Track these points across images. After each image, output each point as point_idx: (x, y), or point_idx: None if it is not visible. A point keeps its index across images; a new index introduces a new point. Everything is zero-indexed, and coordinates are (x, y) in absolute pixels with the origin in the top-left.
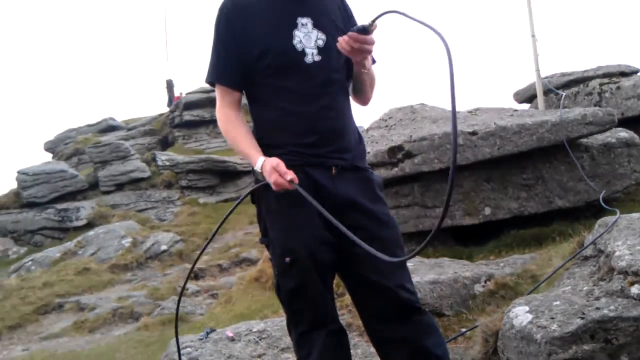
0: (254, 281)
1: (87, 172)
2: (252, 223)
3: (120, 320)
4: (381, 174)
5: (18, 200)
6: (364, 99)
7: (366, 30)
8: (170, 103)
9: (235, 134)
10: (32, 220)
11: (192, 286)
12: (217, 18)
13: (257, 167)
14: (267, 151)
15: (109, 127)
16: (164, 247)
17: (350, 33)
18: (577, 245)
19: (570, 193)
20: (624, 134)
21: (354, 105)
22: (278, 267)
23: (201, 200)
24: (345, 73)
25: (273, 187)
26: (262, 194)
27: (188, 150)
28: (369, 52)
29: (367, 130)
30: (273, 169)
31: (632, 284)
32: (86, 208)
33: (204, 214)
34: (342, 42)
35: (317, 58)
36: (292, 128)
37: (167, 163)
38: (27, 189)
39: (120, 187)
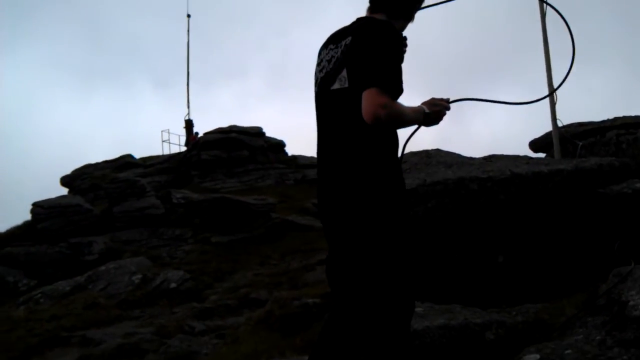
0: (262, 322)
1: (102, 208)
2: (263, 264)
3: (125, 357)
4: None
5: (31, 233)
6: None
7: None
8: (187, 142)
9: (404, 108)
10: (45, 253)
11: (198, 325)
12: (396, 37)
13: (425, 109)
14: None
15: (126, 164)
16: (173, 285)
17: None
18: (590, 295)
19: (585, 242)
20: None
21: None
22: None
23: (213, 240)
24: None
25: (440, 113)
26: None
27: (203, 189)
28: None
29: None
30: (433, 99)
31: None
32: (99, 243)
33: (215, 252)
34: None
35: None
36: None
37: (182, 201)
38: (41, 222)
39: (134, 223)
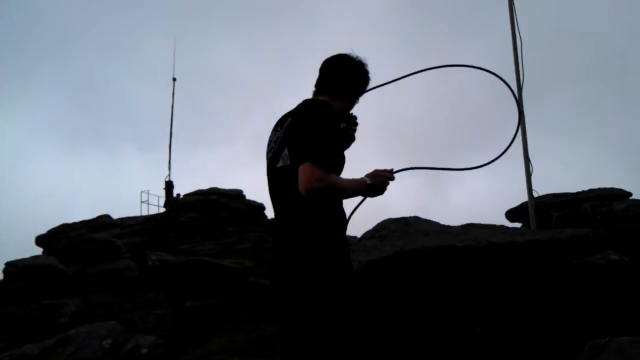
0: None
1: (76, 269)
2: (238, 330)
3: None
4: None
5: (3, 293)
6: None
7: None
8: (167, 203)
9: (341, 179)
10: (14, 314)
11: None
12: (330, 114)
13: (367, 181)
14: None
15: (103, 224)
16: (144, 351)
17: None
18: None
19: (561, 312)
20: (614, 256)
21: None
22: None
23: (188, 304)
24: None
25: (382, 183)
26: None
27: (181, 251)
28: None
29: (360, 239)
30: (375, 171)
31: None
32: (71, 305)
33: (190, 317)
34: None
35: None
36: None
37: (157, 263)
38: (13, 282)
39: (107, 285)
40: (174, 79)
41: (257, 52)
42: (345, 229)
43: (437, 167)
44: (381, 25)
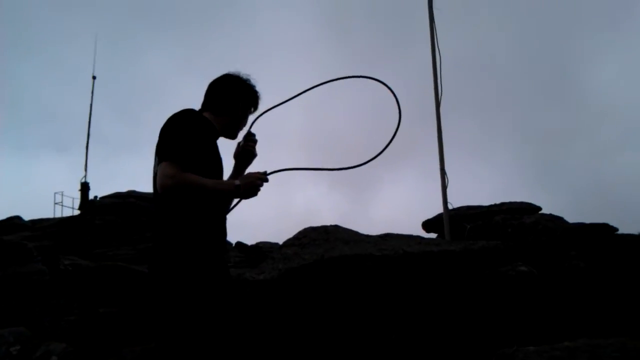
0: None
1: None
2: (152, 339)
3: None
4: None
5: None
6: None
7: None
8: (82, 206)
9: (202, 179)
10: None
11: None
12: (190, 120)
13: (236, 182)
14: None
15: (14, 226)
16: (54, 358)
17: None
18: None
19: (472, 321)
20: (523, 268)
21: None
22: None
23: (101, 310)
24: None
25: (252, 183)
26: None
27: (95, 255)
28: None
29: (281, 247)
30: (248, 174)
31: None
32: None
33: (103, 324)
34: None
35: None
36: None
37: (70, 268)
38: None
39: (17, 290)
40: (94, 77)
41: (186, 57)
42: (219, 232)
43: (311, 167)
44: (310, 43)
